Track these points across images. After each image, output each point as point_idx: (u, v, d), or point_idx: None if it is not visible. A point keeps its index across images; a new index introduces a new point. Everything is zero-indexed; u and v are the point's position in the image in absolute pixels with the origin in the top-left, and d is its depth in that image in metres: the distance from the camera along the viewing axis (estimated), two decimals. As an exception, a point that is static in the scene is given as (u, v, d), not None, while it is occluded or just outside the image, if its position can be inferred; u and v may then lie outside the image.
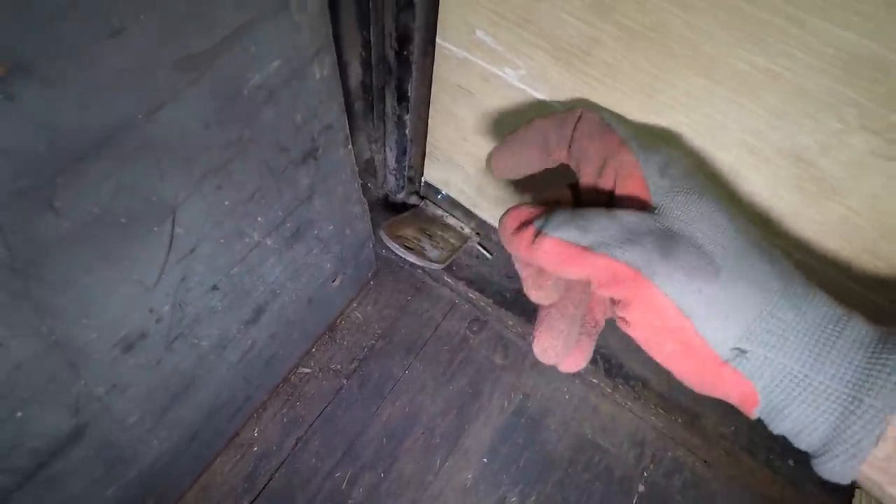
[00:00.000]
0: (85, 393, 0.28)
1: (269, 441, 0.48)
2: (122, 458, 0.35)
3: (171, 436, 0.39)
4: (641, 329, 0.26)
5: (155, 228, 0.27)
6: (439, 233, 0.56)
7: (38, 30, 0.18)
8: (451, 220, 0.58)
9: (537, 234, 0.26)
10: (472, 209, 0.55)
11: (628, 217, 0.25)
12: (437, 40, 0.40)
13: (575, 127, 0.29)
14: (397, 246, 0.50)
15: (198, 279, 0.31)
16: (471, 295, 0.56)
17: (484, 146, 0.46)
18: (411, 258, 0.50)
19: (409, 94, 0.44)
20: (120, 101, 0.21)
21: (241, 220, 0.32)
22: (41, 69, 0.18)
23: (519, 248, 0.28)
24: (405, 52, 0.40)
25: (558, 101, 0.37)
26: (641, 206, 0.26)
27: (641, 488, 0.50)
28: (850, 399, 0.23)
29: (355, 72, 0.46)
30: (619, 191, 0.27)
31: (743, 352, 0.24)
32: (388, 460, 0.49)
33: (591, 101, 0.35)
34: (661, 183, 0.26)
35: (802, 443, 0.24)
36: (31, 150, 0.19)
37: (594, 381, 0.54)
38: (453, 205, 0.57)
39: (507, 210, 0.28)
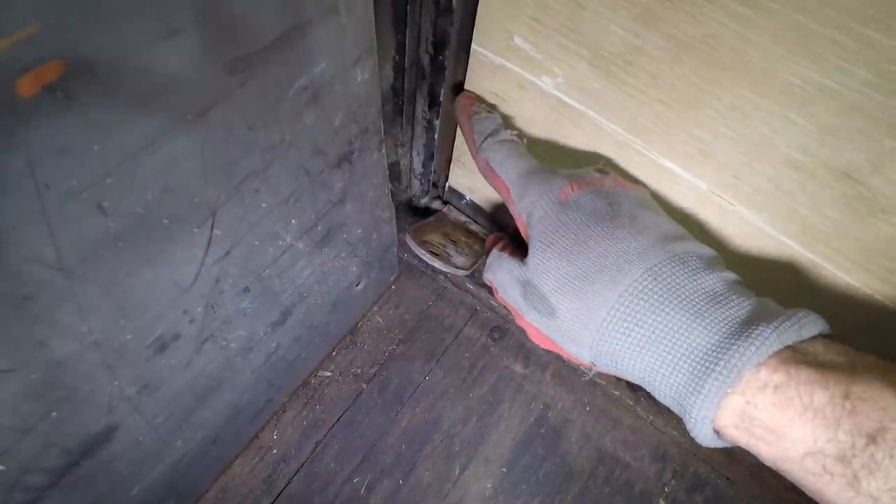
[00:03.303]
0: (118, 393, 0.28)
1: (288, 444, 0.48)
2: (147, 459, 0.34)
3: (195, 437, 0.38)
4: (538, 343, 0.35)
5: (195, 230, 0.26)
6: (463, 239, 0.56)
7: (102, 30, 0.17)
8: (475, 227, 0.57)
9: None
10: (497, 216, 0.54)
11: (513, 267, 0.34)
12: (473, 46, 0.40)
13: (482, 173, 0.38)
14: (424, 252, 0.49)
15: (231, 281, 0.31)
16: (492, 302, 0.55)
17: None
18: (437, 264, 0.50)
19: (440, 98, 0.44)
20: (173, 102, 0.21)
21: (275, 222, 0.32)
22: (101, 69, 0.18)
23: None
24: (440, 57, 0.40)
25: (594, 111, 0.37)
26: (527, 239, 0.34)
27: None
28: (678, 406, 0.27)
29: (387, 75, 0.46)
30: (518, 226, 0.35)
31: (595, 364, 0.31)
32: (407, 467, 0.48)
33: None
34: (529, 231, 0.34)
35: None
36: (85, 149, 0.19)
37: (616, 393, 0.53)
38: (476, 211, 0.56)
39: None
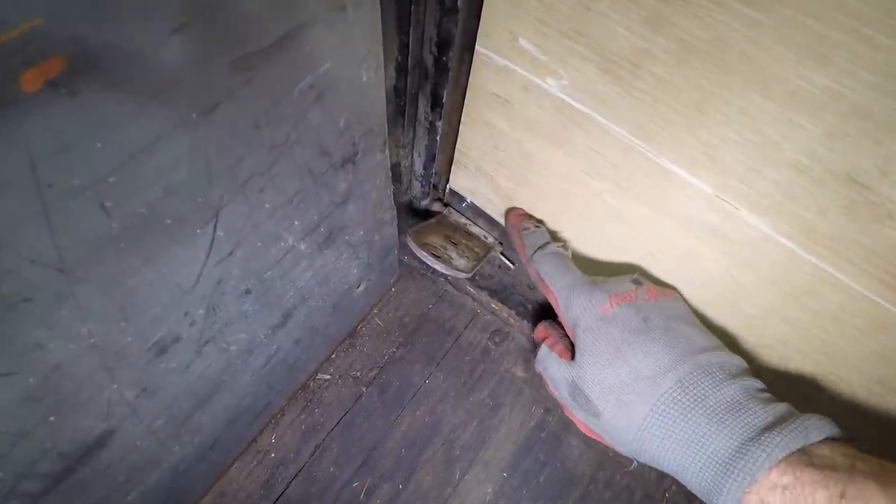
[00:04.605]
0: (116, 397, 0.28)
1: (286, 448, 0.47)
2: (144, 464, 0.34)
3: (193, 441, 0.38)
4: (585, 433, 0.40)
5: (198, 231, 0.26)
6: (463, 241, 0.56)
7: (107, 25, 0.17)
8: (475, 229, 0.57)
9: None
10: (498, 218, 0.54)
11: (562, 367, 0.40)
12: (477, 47, 0.40)
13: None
14: (425, 254, 0.49)
15: (233, 283, 0.31)
16: (493, 305, 0.55)
17: (517, 156, 0.45)
18: (438, 266, 0.50)
19: (443, 100, 0.43)
20: (177, 99, 0.21)
21: (279, 223, 0.31)
22: (106, 65, 0.18)
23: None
24: (444, 58, 0.40)
25: (600, 115, 0.37)
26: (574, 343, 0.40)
27: (663, 508, 0.49)
28: (709, 496, 0.31)
29: (389, 76, 0.45)
30: (566, 329, 0.41)
31: (636, 458, 0.36)
32: (407, 471, 0.48)
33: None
34: (575, 338, 0.39)
35: None
36: (88, 147, 0.19)
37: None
38: (477, 213, 0.56)
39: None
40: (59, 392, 0.24)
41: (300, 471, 0.47)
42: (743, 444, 0.30)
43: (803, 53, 0.26)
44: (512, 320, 0.55)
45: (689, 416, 0.32)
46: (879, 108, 0.26)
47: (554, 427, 0.51)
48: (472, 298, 0.56)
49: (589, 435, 0.39)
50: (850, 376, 0.39)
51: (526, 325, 0.54)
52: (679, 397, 0.33)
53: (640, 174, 0.37)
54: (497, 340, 0.55)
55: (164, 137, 0.21)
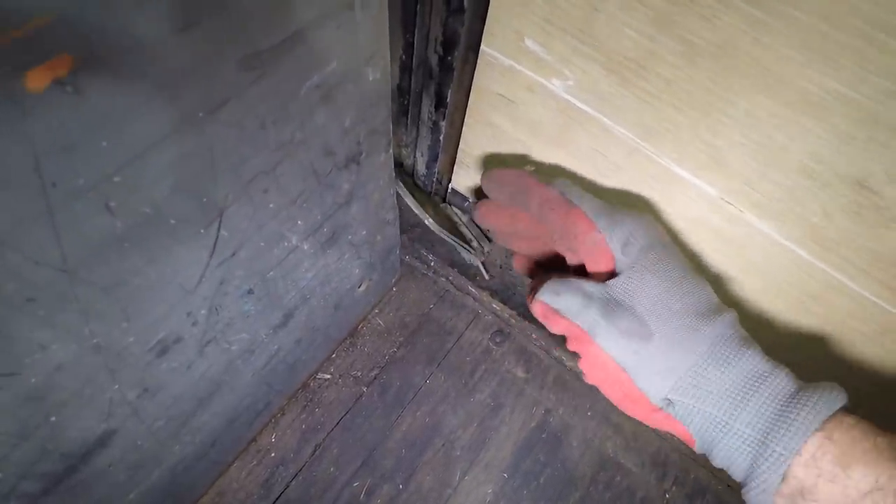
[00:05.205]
0: (118, 397, 0.27)
1: (286, 447, 0.47)
2: (144, 463, 0.34)
3: (193, 440, 0.37)
4: (591, 378, 0.34)
5: (202, 231, 0.26)
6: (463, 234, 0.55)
7: (115, 22, 0.17)
8: (464, 230, 0.57)
9: (533, 297, 0.36)
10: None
11: (588, 287, 0.34)
12: (482, 47, 0.40)
13: (541, 209, 0.37)
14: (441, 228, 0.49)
15: (236, 283, 0.30)
16: (494, 306, 0.55)
17: (521, 156, 0.45)
18: (461, 232, 0.50)
19: (447, 100, 0.43)
20: (184, 98, 0.20)
21: (282, 223, 0.31)
22: (112, 63, 0.17)
23: (529, 305, 0.37)
24: (449, 58, 0.40)
25: (605, 116, 0.36)
26: (609, 270, 0.34)
27: (663, 510, 0.49)
28: (760, 444, 0.28)
29: (393, 75, 0.45)
30: (590, 267, 0.35)
31: (672, 402, 0.31)
32: (407, 472, 0.48)
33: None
34: (622, 258, 0.34)
35: (733, 475, 0.30)
36: (93, 146, 0.18)
37: (617, 398, 0.53)
38: (479, 213, 0.56)
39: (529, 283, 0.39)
40: (61, 392, 0.24)
41: (300, 471, 0.47)
42: (802, 385, 0.29)
43: (812, 57, 0.26)
44: (513, 321, 0.55)
45: (745, 351, 0.30)
46: (889, 113, 0.26)
47: (554, 428, 0.51)
48: (474, 298, 0.56)
49: (595, 373, 0.34)
50: (853, 381, 0.39)
51: (527, 325, 0.54)
52: (735, 335, 0.31)
53: (644, 176, 0.37)
54: (498, 341, 0.55)
55: (170, 136, 0.21)
